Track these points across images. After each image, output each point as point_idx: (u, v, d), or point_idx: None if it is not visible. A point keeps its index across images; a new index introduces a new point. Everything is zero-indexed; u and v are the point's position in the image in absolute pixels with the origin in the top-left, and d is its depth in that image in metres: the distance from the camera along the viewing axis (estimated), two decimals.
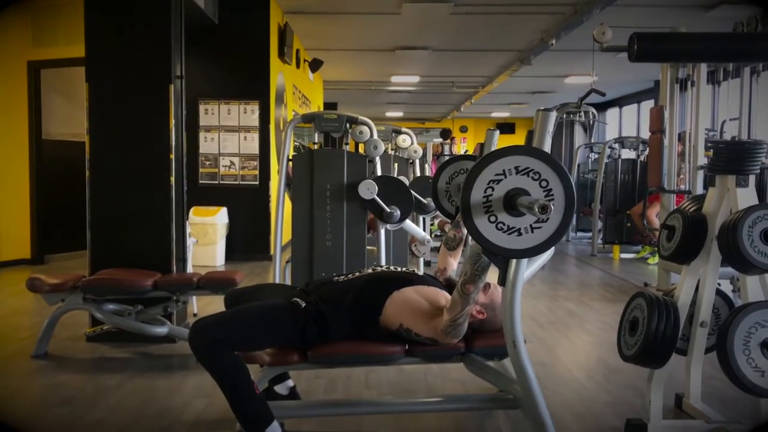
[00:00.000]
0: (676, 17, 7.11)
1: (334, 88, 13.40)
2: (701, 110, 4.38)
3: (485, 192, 1.89)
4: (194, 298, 4.29)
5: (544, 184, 1.89)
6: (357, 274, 2.45)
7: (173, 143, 3.75)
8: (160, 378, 3.12)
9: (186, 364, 3.29)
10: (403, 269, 2.49)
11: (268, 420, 2.18)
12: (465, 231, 2.58)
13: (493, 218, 1.89)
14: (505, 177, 1.89)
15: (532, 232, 1.91)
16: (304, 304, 2.28)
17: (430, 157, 9.62)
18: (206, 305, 4.43)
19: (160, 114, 3.74)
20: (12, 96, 6.54)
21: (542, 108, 2.11)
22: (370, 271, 2.47)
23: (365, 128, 3.93)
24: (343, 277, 2.45)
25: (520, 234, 1.90)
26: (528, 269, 2.11)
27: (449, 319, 2.19)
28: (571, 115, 11.08)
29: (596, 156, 9.79)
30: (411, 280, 2.40)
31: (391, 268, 2.51)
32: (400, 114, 19.54)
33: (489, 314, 2.35)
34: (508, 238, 1.90)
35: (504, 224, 1.90)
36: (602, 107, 15.25)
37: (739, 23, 4.40)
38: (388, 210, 3.77)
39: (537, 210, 1.76)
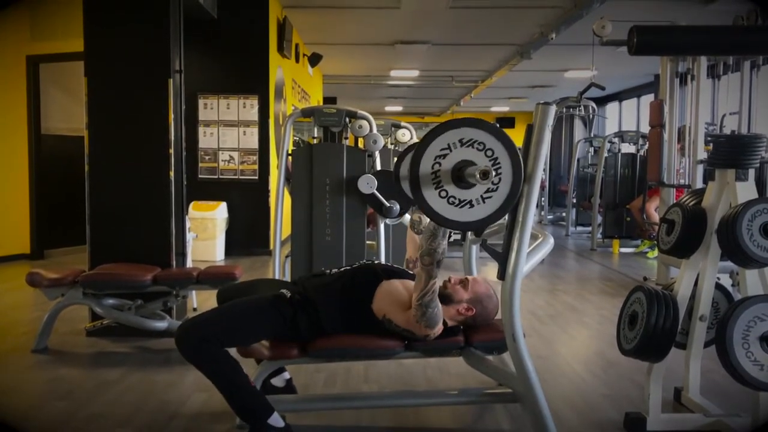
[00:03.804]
0: (676, 11, 7.09)
1: (333, 82, 13.38)
2: (701, 104, 4.39)
3: (433, 168, 1.90)
4: (194, 292, 4.29)
5: (489, 153, 1.91)
6: (348, 267, 2.45)
7: (172, 138, 3.75)
8: (159, 372, 3.12)
9: None
10: (395, 266, 2.49)
11: (268, 411, 2.18)
12: None
13: (444, 193, 1.91)
14: (451, 151, 1.90)
15: (484, 202, 1.93)
16: (289, 294, 2.28)
17: None
18: (206, 300, 4.43)
19: (159, 108, 3.73)
20: (11, 91, 6.52)
21: (542, 101, 2.10)
22: (362, 262, 2.48)
23: (365, 122, 3.92)
24: (335, 270, 2.45)
25: (472, 206, 1.92)
26: (527, 263, 2.11)
27: (415, 297, 2.18)
28: (571, 110, 11.08)
29: (596, 150, 9.78)
30: (400, 273, 2.40)
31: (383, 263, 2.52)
32: (399, 108, 19.51)
33: (477, 308, 2.36)
34: (460, 211, 1.92)
35: (455, 198, 1.91)
36: (602, 101, 15.24)
37: (740, 17, 4.40)
38: (388, 204, 3.77)
39: (479, 177, 1.78)
